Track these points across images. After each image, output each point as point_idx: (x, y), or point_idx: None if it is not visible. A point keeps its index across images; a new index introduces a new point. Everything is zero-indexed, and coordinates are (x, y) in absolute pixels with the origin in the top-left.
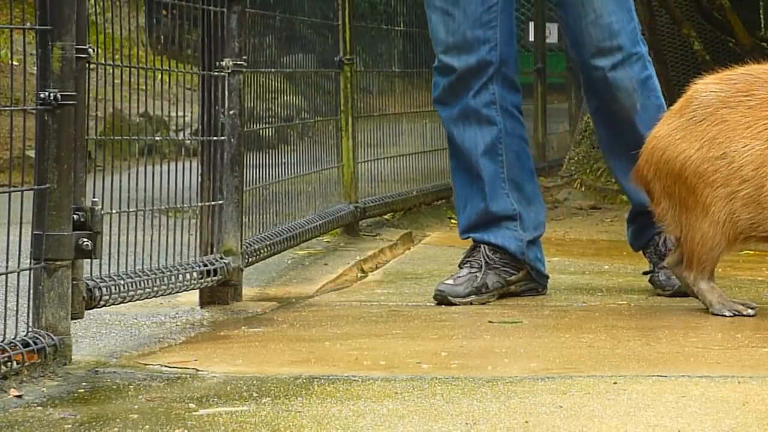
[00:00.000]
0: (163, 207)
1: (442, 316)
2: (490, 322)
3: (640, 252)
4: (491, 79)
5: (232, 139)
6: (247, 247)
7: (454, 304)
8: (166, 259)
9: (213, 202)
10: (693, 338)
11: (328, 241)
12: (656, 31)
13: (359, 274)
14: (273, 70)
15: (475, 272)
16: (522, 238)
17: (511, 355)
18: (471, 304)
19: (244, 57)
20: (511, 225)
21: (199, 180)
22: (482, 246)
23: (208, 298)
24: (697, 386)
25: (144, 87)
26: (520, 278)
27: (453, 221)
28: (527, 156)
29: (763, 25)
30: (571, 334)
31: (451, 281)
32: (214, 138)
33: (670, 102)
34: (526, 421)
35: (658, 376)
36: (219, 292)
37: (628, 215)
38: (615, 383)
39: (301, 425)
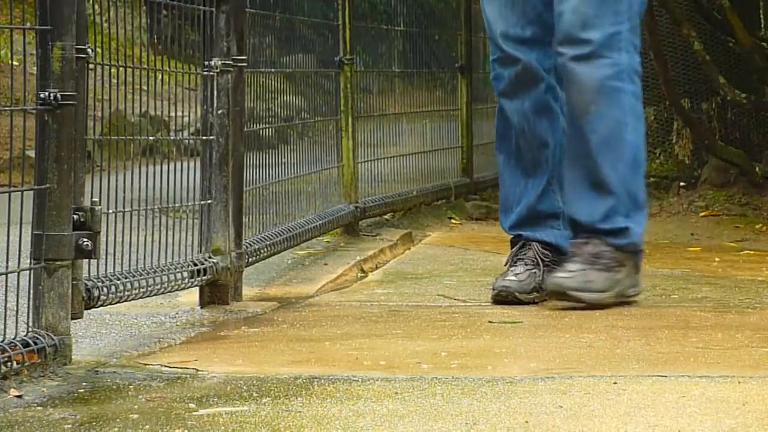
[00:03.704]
0: (158, 207)
1: (442, 316)
2: (490, 322)
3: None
4: (554, 76)
5: (220, 139)
6: (247, 247)
7: (521, 302)
8: (166, 259)
9: (203, 202)
10: (693, 338)
11: (328, 241)
12: (656, 31)
13: (359, 274)
14: (273, 70)
15: (533, 269)
16: (566, 236)
17: (511, 355)
18: (534, 302)
19: (235, 56)
20: (555, 224)
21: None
22: (534, 243)
23: (208, 298)
24: (697, 386)
25: (144, 87)
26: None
27: (453, 221)
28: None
29: (763, 25)
30: (571, 334)
31: (514, 277)
32: (203, 137)
33: (671, 102)
34: (526, 421)
35: (658, 376)
36: (219, 291)
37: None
38: (615, 383)
39: (301, 425)
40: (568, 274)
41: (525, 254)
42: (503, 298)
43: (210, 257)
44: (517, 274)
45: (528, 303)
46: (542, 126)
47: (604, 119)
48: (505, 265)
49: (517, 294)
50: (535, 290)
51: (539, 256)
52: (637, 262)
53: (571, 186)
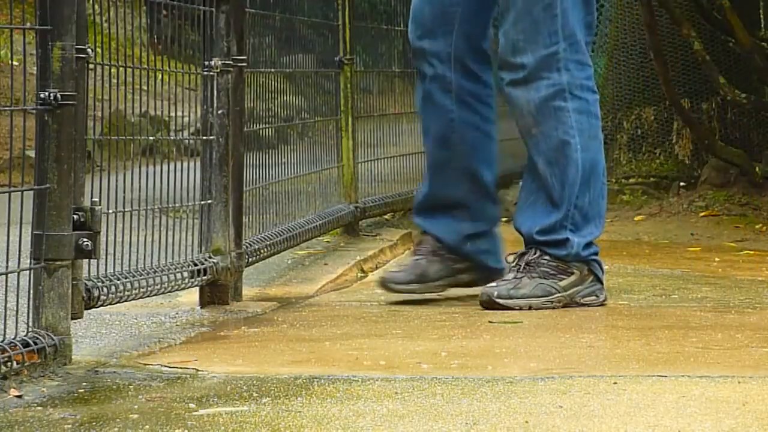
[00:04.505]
0: (158, 207)
1: (442, 316)
2: (490, 322)
3: (635, 252)
4: (449, 67)
5: (220, 139)
6: (247, 247)
7: (398, 291)
8: (166, 259)
9: (203, 202)
10: (693, 338)
11: (328, 241)
12: (656, 31)
13: (359, 274)
14: (273, 70)
15: (420, 260)
16: (461, 231)
17: (511, 355)
18: (414, 292)
19: (235, 56)
20: (457, 214)
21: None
22: (428, 235)
23: (208, 298)
24: (697, 386)
25: (144, 87)
26: (468, 267)
27: None
28: (487, 148)
29: (763, 25)
30: (571, 334)
31: (396, 269)
32: (203, 137)
33: (671, 102)
34: (526, 421)
35: (658, 376)
36: (219, 291)
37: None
38: (615, 383)
39: (301, 425)
40: (497, 284)
41: (420, 245)
42: (382, 287)
43: (210, 257)
44: (402, 265)
45: (407, 293)
46: (427, 116)
47: (547, 141)
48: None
49: (390, 284)
50: (413, 281)
51: (431, 247)
52: (593, 270)
53: (525, 199)
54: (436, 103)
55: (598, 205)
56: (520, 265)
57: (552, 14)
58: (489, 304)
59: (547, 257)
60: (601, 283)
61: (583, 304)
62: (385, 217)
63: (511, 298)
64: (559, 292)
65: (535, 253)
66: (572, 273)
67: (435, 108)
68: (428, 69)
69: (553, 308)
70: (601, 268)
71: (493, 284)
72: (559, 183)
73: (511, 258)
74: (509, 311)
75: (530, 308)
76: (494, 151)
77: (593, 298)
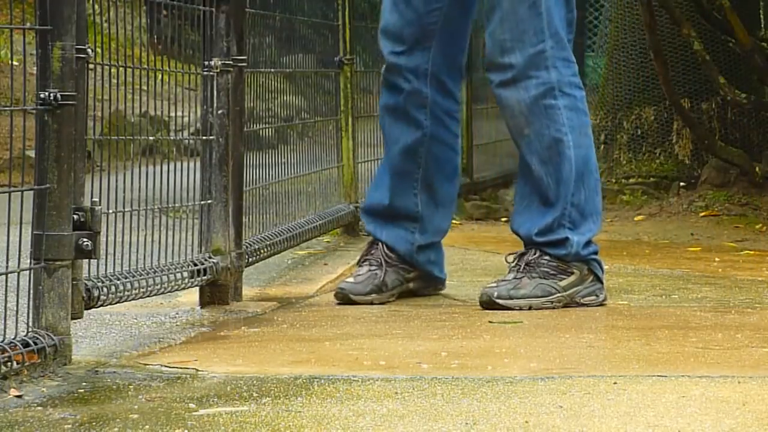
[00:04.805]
0: (158, 207)
1: (442, 316)
2: (490, 322)
3: (635, 252)
4: (425, 83)
5: (220, 139)
6: (247, 247)
7: (357, 303)
8: (166, 259)
9: (203, 202)
10: (693, 338)
11: (328, 241)
12: (656, 31)
13: None
14: (273, 70)
15: (375, 270)
16: (414, 242)
17: (511, 355)
18: (372, 303)
19: (235, 56)
20: (409, 226)
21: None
22: (380, 243)
23: (208, 298)
24: (697, 386)
25: (144, 87)
26: (416, 276)
27: (453, 221)
28: (451, 162)
29: (763, 25)
30: (571, 334)
31: (352, 279)
32: (203, 137)
33: (671, 102)
34: (526, 421)
35: (658, 376)
36: (219, 291)
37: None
38: (615, 383)
39: (301, 425)
40: (497, 284)
41: (372, 254)
42: (340, 299)
43: (210, 257)
44: (357, 276)
45: (365, 304)
46: (397, 127)
47: (540, 140)
48: (357, 264)
49: (351, 296)
50: (373, 291)
51: (384, 257)
52: (593, 270)
53: (520, 201)
54: (410, 117)
55: (593, 201)
56: (520, 266)
57: (537, 12)
58: (489, 304)
59: (547, 257)
60: (601, 282)
61: (583, 304)
62: None
63: (511, 298)
64: (559, 292)
65: (535, 254)
66: (572, 273)
67: (408, 121)
68: (404, 84)
69: (553, 308)
70: (601, 268)
71: (494, 284)
72: (554, 181)
73: (511, 258)
74: (509, 311)
75: (530, 308)
76: (458, 164)
77: (593, 297)
